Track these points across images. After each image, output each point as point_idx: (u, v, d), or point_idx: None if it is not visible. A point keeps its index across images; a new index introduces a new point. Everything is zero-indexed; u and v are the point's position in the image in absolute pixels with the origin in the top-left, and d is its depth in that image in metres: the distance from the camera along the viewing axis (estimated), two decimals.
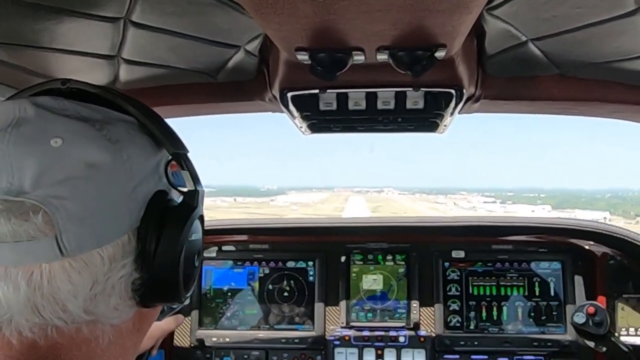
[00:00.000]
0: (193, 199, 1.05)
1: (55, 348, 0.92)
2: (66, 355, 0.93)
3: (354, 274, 3.22)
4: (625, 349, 2.61)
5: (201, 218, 1.10)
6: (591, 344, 2.65)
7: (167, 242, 0.97)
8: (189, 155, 1.09)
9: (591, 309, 2.57)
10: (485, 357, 3.06)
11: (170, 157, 1.06)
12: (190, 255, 1.05)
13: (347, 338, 3.11)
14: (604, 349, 2.63)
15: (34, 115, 0.91)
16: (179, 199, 1.06)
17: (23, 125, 0.89)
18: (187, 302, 2.49)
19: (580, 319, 2.57)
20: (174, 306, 2.46)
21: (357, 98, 1.74)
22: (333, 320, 3.18)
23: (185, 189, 1.07)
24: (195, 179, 1.07)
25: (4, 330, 0.89)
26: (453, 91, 1.68)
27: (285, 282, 3.24)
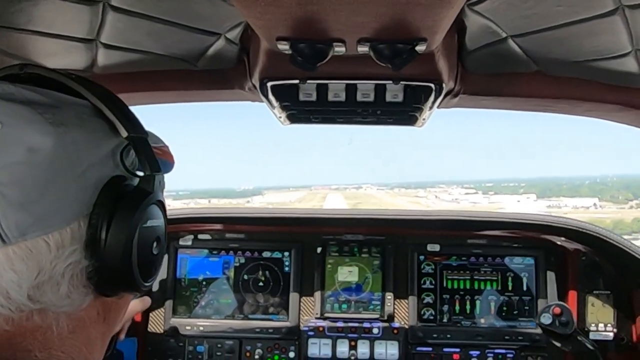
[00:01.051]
0: (148, 183, 1.02)
1: (4, 336, 0.90)
2: (19, 343, 0.91)
3: (329, 265, 3.23)
4: (591, 347, 2.66)
5: (160, 204, 1.07)
6: (557, 344, 2.70)
7: (117, 228, 0.94)
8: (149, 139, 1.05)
9: (557, 310, 2.61)
10: (458, 350, 3.10)
11: (127, 142, 1.01)
12: (146, 242, 1.02)
13: (321, 329, 3.12)
14: (570, 348, 2.68)
15: None
16: (140, 183, 1.03)
17: None
18: (155, 289, 2.46)
19: (546, 319, 2.61)
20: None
21: (336, 89, 1.74)
22: (307, 311, 3.19)
23: (142, 174, 1.03)
24: (152, 163, 1.03)
25: None
26: (432, 85, 1.68)
27: (260, 272, 3.23)
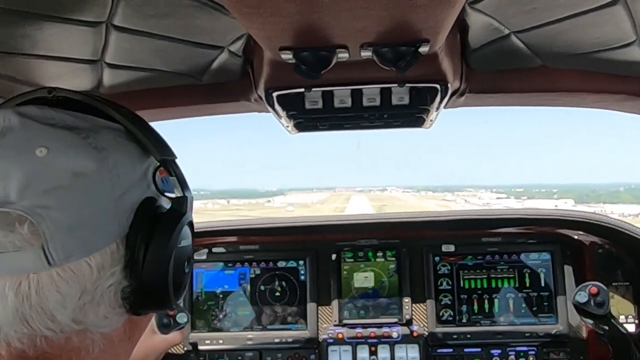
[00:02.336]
0: (182, 205, 1.04)
1: (44, 357, 0.91)
2: None
3: (345, 272, 3.22)
4: (624, 332, 2.63)
5: (190, 224, 1.09)
6: (589, 322, 2.66)
7: (156, 250, 0.96)
8: (177, 161, 1.08)
9: (594, 289, 2.58)
10: (478, 349, 3.08)
11: (158, 164, 1.05)
12: (180, 262, 1.04)
13: (340, 336, 3.12)
14: (606, 327, 2.65)
15: (19, 125, 0.90)
16: (168, 205, 1.05)
17: (7, 135, 0.88)
18: (185, 320, 2.49)
19: (582, 297, 2.58)
20: (181, 322, 2.46)
21: (342, 95, 1.74)
22: (326, 319, 3.18)
23: (173, 195, 1.05)
24: (183, 184, 1.06)
25: None
26: (438, 86, 1.68)
27: (276, 282, 3.23)
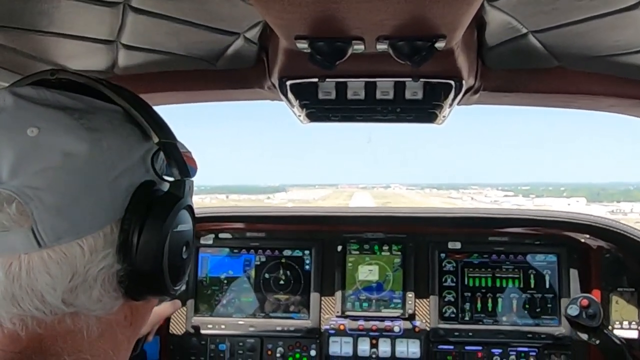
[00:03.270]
0: (179, 188, 1.03)
1: (37, 339, 0.92)
2: (50, 346, 0.92)
3: (349, 264, 3.23)
4: (618, 342, 2.63)
5: (189, 208, 1.08)
6: (584, 336, 2.67)
7: (149, 233, 0.96)
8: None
9: (585, 302, 2.58)
10: (479, 348, 3.08)
11: (157, 147, 1.04)
12: (177, 247, 1.03)
13: (342, 327, 3.12)
14: (597, 341, 2.65)
15: (12, 105, 0.90)
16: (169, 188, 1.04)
17: (1, 115, 0.89)
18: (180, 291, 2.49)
19: (573, 311, 2.58)
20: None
21: (356, 88, 1.74)
22: (328, 310, 3.19)
23: (172, 179, 1.05)
24: (182, 168, 1.05)
25: None
26: (452, 82, 1.67)
27: (281, 271, 3.24)
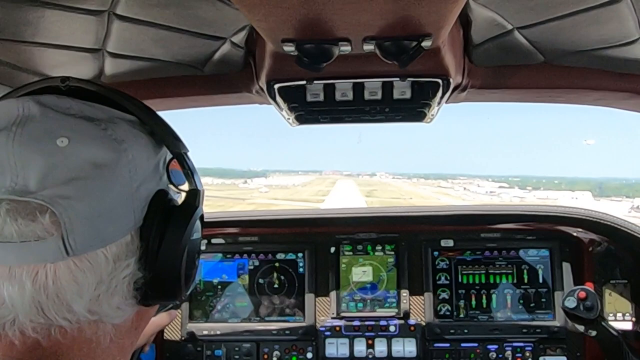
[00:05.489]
0: (195, 198, 1.06)
1: (57, 348, 0.92)
2: (66, 355, 0.93)
3: (343, 265, 3.23)
4: (615, 333, 2.64)
5: (201, 218, 1.11)
6: (581, 328, 2.68)
7: (170, 242, 0.98)
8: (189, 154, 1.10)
9: (582, 294, 2.59)
10: (475, 344, 3.09)
11: (169, 156, 1.06)
12: (192, 255, 1.06)
13: (337, 328, 3.13)
14: (594, 333, 2.66)
15: (39, 114, 0.90)
16: (176, 197, 1.07)
17: (28, 125, 0.88)
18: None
19: (571, 303, 2.59)
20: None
21: (344, 89, 1.74)
22: (323, 311, 3.19)
23: (182, 186, 1.07)
24: (196, 178, 1.08)
25: (6, 330, 0.88)
26: (440, 81, 1.68)
27: (275, 274, 3.24)
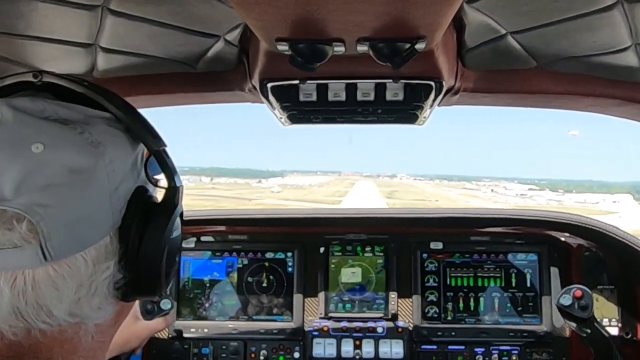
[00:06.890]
0: (174, 196, 1.05)
1: (36, 347, 0.92)
2: (47, 351, 0.93)
3: (332, 266, 3.23)
4: (607, 335, 2.66)
5: (181, 215, 1.10)
6: (573, 325, 2.69)
7: (150, 241, 0.97)
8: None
9: (578, 292, 2.61)
10: (462, 347, 3.10)
11: (146, 152, 1.05)
12: (172, 253, 1.05)
13: (325, 329, 3.12)
14: (588, 331, 2.67)
15: (12, 120, 0.89)
16: (154, 191, 1.06)
17: (1, 130, 0.87)
18: (169, 306, 2.49)
19: (566, 300, 2.60)
20: (165, 308, 2.46)
21: (337, 89, 1.74)
22: (312, 312, 3.19)
23: (158, 178, 1.06)
24: (175, 174, 1.06)
25: None
26: (432, 83, 1.68)
27: (264, 273, 3.24)
